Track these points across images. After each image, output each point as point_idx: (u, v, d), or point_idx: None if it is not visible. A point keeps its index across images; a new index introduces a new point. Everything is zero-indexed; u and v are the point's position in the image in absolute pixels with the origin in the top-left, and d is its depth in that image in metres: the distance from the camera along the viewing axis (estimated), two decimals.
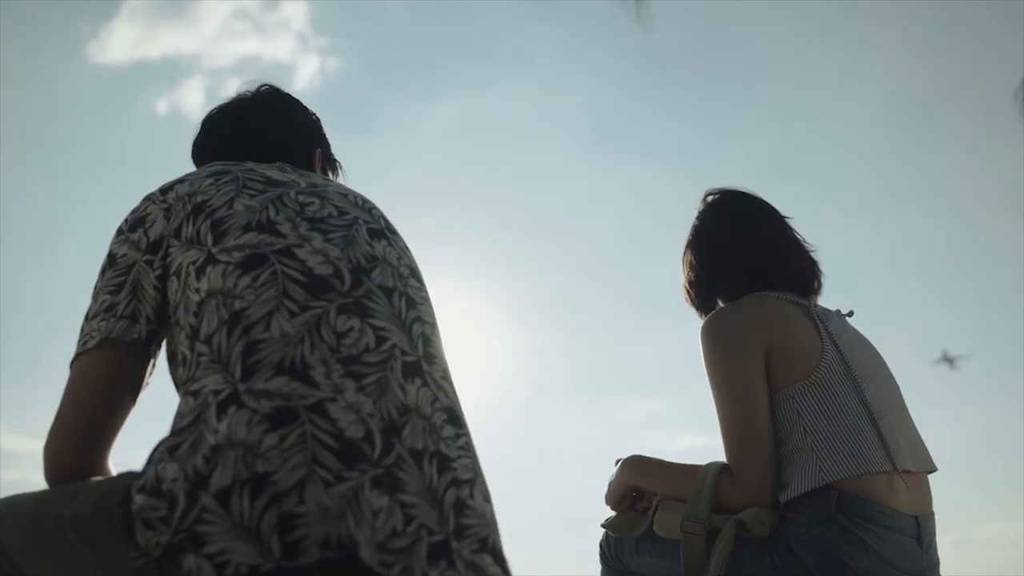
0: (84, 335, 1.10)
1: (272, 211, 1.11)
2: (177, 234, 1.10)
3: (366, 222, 1.18)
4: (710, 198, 1.84)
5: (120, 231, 1.16)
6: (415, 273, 1.20)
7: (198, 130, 1.45)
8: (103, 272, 1.14)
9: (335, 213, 1.16)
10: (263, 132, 1.40)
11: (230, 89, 1.54)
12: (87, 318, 1.12)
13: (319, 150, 1.46)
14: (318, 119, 1.50)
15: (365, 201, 1.24)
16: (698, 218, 1.83)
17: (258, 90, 1.48)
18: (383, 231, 1.20)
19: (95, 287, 1.13)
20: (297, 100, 1.49)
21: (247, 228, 1.08)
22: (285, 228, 1.10)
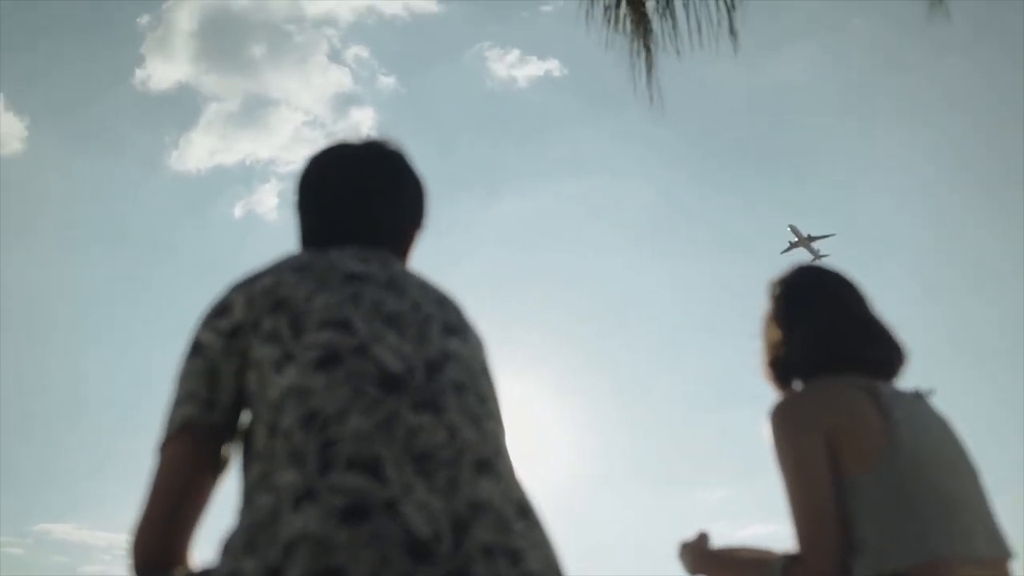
0: (165, 422, 1.14)
1: (349, 308, 1.14)
2: (256, 327, 1.14)
3: (441, 318, 1.21)
4: (787, 275, 1.84)
5: (204, 318, 1.19)
6: (486, 370, 1.22)
7: (303, 173, 1.41)
8: (187, 359, 1.17)
9: (410, 309, 1.18)
10: (361, 210, 1.35)
11: None
12: (170, 405, 1.15)
13: (417, 227, 1.42)
14: (422, 188, 1.43)
15: (442, 295, 1.26)
16: (773, 296, 1.83)
17: (368, 149, 1.42)
18: (457, 328, 1.22)
19: (178, 374, 1.17)
20: (406, 166, 1.42)
21: (324, 326, 1.11)
22: (360, 326, 1.12)
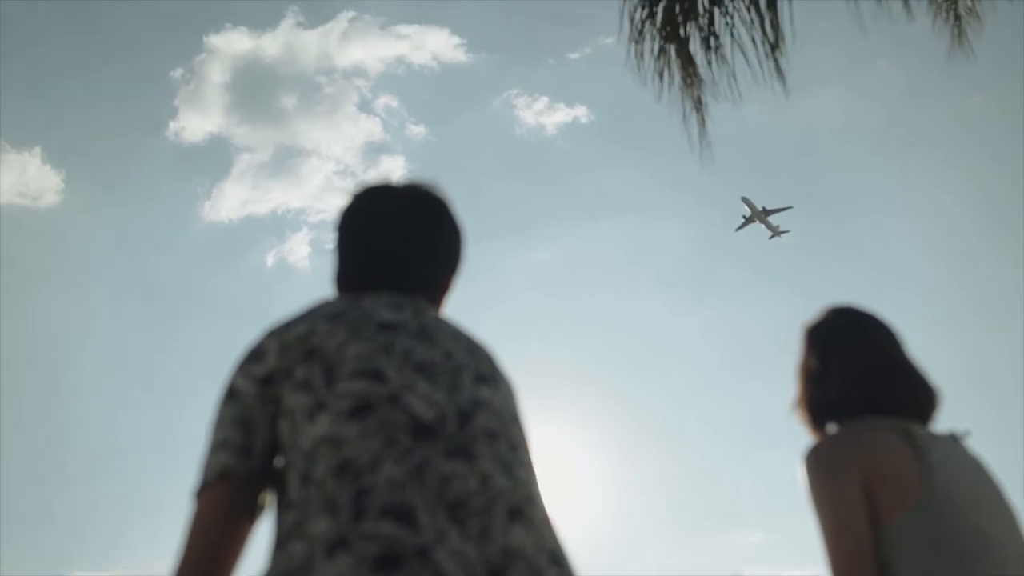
0: (203, 469, 1.15)
1: (381, 358, 1.15)
2: (288, 374, 1.15)
3: (473, 366, 1.21)
4: (822, 318, 1.84)
5: (239, 364, 1.20)
6: (517, 418, 1.22)
7: (341, 214, 1.40)
8: (221, 404, 1.18)
9: (442, 358, 1.19)
10: (396, 255, 1.35)
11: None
12: (206, 451, 1.16)
13: (452, 273, 1.42)
14: (460, 234, 1.43)
15: (474, 343, 1.27)
16: (805, 338, 1.83)
17: (407, 192, 1.41)
18: (488, 376, 1.22)
19: (214, 419, 1.18)
20: (445, 211, 1.41)
21: (356, 375, 1.12)
22: (392, 374, 1.13)
